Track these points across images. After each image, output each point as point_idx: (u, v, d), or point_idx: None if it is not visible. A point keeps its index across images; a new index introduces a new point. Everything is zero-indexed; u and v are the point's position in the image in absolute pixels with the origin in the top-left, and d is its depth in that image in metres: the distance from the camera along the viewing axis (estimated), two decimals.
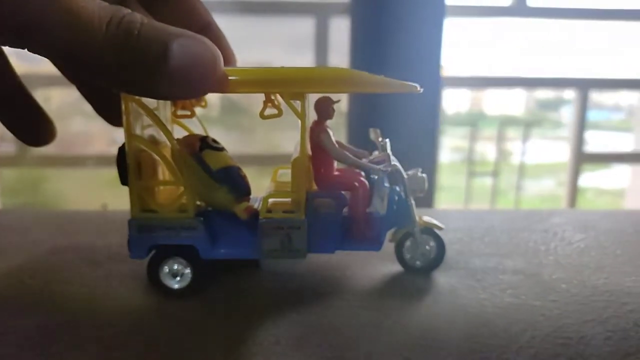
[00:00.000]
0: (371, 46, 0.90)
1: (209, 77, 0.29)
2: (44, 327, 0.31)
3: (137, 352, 0.28)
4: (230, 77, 0.31)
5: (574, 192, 1.28)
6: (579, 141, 1.24)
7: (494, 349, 0.28)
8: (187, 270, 0.34)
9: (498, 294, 0.34)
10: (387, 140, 0.36)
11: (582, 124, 1.23)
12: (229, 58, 0.36)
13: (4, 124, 0.37)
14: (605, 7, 1.25)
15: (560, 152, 1.75)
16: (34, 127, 0.38)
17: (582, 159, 1.26)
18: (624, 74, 1.34)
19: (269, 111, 0.33)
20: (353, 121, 0.92)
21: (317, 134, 0.35)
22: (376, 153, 0.37)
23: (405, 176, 0.36)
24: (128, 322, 0.31)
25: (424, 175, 0.37)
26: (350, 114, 0.93)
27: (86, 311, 0.32)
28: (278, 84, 0.32)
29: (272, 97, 0.33)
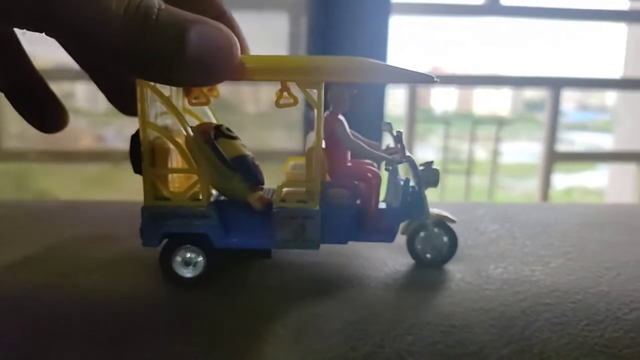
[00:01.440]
0: (323, 44, 0.90)
1: (225, 65, 0.29)
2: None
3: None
4: (246, 65, 0.31)
5: (546, 190, 1.29)
6: (551, 140, 1.25)
7: (373, 335, 0.29)
8: (200, 259, 0.34)
9: (391, 283, 0.34)
10: (401, 131, 0.36)
11: (554, 123, 1.24)
12: (242, 47, 0.36)
13: (16, 109, 0.37)
14: (579, 7, 1.26)
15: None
16: (47, 113, 0.38)
17: (554, 158, 1.27)
18: (597, 74, 1.36)
19: (284, 100, 0.33)
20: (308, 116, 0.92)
21: (331, 124, 0.35)
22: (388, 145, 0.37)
23: (419, 168, 0.36)
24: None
25: (438, 167, 0.37)
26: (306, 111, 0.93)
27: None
28: (295, 72, 0.32)
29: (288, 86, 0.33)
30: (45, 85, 0.38)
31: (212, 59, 0.28)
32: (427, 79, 0.32)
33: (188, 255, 0.34)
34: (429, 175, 0.36)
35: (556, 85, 1.23)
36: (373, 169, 0.36)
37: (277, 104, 0.33)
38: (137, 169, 0.34)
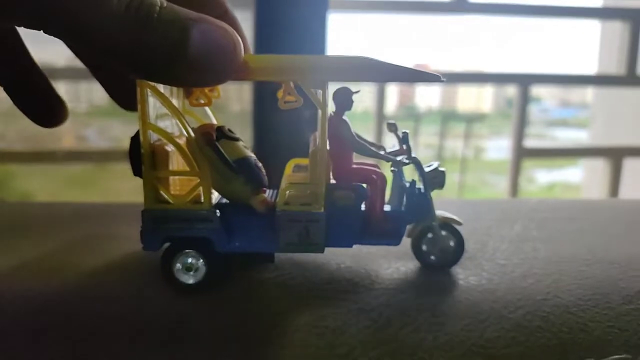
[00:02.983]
0: (266, 41, 0.89)
1: (229, 65, 0.28)
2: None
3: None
4: (249, 65, 0.30)
5: (515, 186, 1.30)
6: (520, 136, 1.25)
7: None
8: (201, 265, 0.33)
9: (289, 282, 0.34)
10: (407, 131, 0.35)
11: (522, 119, 1.25)
12: (245, 47, 0.35)
13: (16, 104, 0.36)
14: (547, 4, 1.27)
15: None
16: (47, 107, 0.37)
17: (523, 153, 1.28)
18: (571, 70, 1.37)
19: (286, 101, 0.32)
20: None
21: (335, 125, 0.34)
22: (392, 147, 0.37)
23: (425, 170, 0.36)
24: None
25: (444, 169, 0.36)
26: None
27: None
28: (299, 72, 0.31)
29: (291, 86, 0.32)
30: (45, 80, 0.37)
31: (215, 59, 0.27)
32: (433, 78, 0.32)
33: (189, 260, 0.33)
34: (435, 177, 0.36)
35: (524, 81, 1.23)
36: (378, 170, 0.36)
37: (281, 105, 0.33)
38: (137, 172, 0.33)
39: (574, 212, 0.51)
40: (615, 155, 1.30)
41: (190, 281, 0.33)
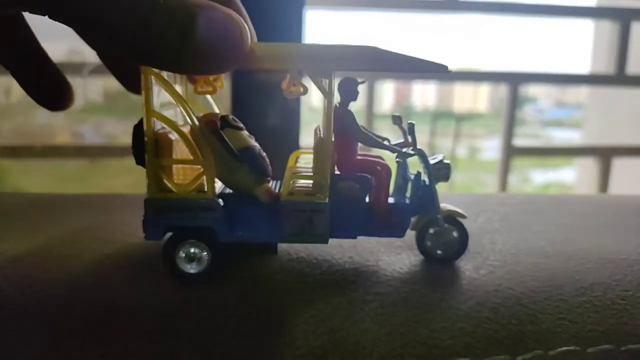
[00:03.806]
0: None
1: (235, 52, 0.28)
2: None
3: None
4: (256, 53, 0.30)
5: (504, 185, 1.31)
6: (509, 135, 1.26)
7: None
8: (204, 255, 0.33)
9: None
10: (413, 122, 0.35)
11: (512, 118, 1.25)
12: (250, 35, 0.35)
13: (24, 88, 0.36)
14: (537, 3, 1.27)
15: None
16: (54, 91, 0.37)
17: (512, 152, 1.28)
18: (563, 69, 1.37)
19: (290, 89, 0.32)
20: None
21: (340, 116, 0.34)
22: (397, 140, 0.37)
23: (430, 162, 0.35)
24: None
25: (449, 162, 0.36)
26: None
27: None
28: (306, 60, 0.31)
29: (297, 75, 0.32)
30: (51, 64, 0.37)
31: (222, 46, 0.27)
32: (440, 69, 0.32)
33: (192, 250, 0.33)
34: (440, 169, 0.35)
35: (514, 80, 1.24)
36: (382, 162, 0.35)
37: (286, 94, 0.32)
38: (140, 160, 0.33)
39: (540, 206, 0.51)
40: (605, 155, 1.31)
41: (193, 271, 0.33)
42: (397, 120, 0.37)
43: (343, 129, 0.34)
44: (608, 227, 0.45)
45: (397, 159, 0.36)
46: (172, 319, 0.29)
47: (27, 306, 0.29)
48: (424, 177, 0.35)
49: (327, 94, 0.32)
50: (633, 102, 1.59)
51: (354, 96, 0.35)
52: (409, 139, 0.36)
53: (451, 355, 0.26)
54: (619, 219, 0.47)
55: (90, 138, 1.86)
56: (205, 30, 0.26)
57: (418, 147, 0.35)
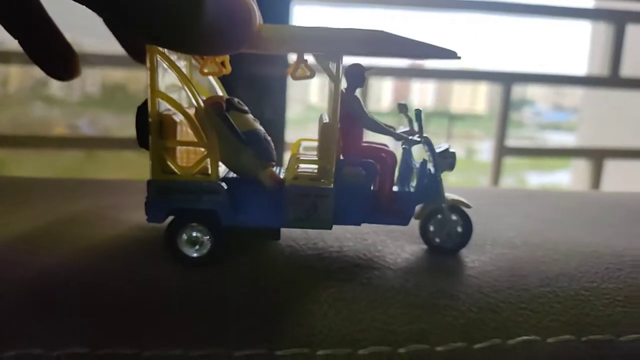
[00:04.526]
0: None
1: (243, 34, 0.27)
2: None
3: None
4: (263, 34, 0.29)
5: (496, 184, 1.31)
6: (502, 135, 1.26)
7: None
8: (207, 238, 0.33)
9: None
10: (420, 109, 0.35)
11: (505, 117, 1.25)
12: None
13: (31, 57, 0.36)
14: (533, 3, 1.27)
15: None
16: (61, 60, 0.36)
17: (504, 152, 1.28)
18: (560, 70, 1.37)
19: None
20: None
21: (347, 101, 0.34)
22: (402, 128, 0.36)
23: (436, 151, 0.35)
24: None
25: (454, 150, 0.36)
26: None
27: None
28: (315, 44, 0.31)
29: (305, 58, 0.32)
30: (58, 33, 0.36)
31: (229, 27, 0.26)
32: (449, 55, 0.31)
33: (194, 233, 0.33)
34: (445, 158, 0.35)
35: (507, 80, 1.23)
36: (387, 149, 0.35)
37: (293, 77, 0.32)
38: (143, 142, 0.32)
39: (515, 200, 0.50)
40: (596, 156, 1.30)
41: (195, 254, 0.32)
42: (403, 108, 0.36)
43: (349, 115, 0.34)
44: (580, 221, 0.45)
45: (404, 146, 0.35)
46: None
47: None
48: (429, 166, 0.35)
49: (335, 78, 0.32)
50: (627, 104, 1.59)
51: (361, 82, 0.34)
52: (416, 126, 0.35)
53: (406, 341, 0.26)
54: (593, 213, 0.47)
55: (87, 131, 1.85)
56: (213, 10, 0.25)
57: (424, 134, 0.35)
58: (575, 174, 1.87)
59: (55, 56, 0.36)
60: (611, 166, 1.31)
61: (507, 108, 1.24)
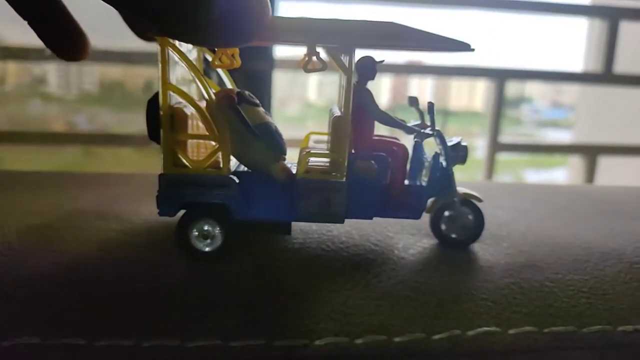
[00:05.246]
0: None
1: (255, 26, 0.27)
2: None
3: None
4: (275, 26, 0.29)
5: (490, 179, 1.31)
6: (495, 131, 1.26)
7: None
8: (218, 232, 0.32)
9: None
10: (433, 102, 0.34)
11: (498, 114, 1.25)
12: None
13: (40, 37, 0.35)
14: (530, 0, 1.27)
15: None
16: (71, 41, 0.36)
17: (498, 148, 1.28)
18: (547, 66, 1.36)
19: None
20: None
21: (359, 94, 0.33)
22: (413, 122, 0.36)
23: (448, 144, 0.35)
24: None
25: (466, 144, 0.35)
26: None
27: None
28: (328, 36, 0.30)
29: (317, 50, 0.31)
30: (67, 13, 0.36)
31: (242, 18, 0.26)
32: (463, 47, 0.31)
33: (205, 227, 0.32)
34: (457, 152, 0.35)
35: (500, 76, 1.23)
36: (399, 142, 0.35)
37: (305, 69, 0.32)
38: (153, 135, 0.32)
39: (491, 192, 0.50)
40: (590, 153, 1.31)
41: (207, 248, 0.32)
42: (413, 101, 0.36)
43: (360, 108, 0.33)
44: (552, 213, 0.44)
45: (415, 139, 0.35)
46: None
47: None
48: (441, 159, 0.35)
49: (347, 71, 0.31)
50: (622, 101, 1.59)
51: (372, 75, 0.34)
52: (428, 119, 0.35)
53: (364, 332, 0.26)
54: (567, 205, 0.47)
55: (85, 128, 1.84)
56: (225, 2, 0.25)
57: (436, 128, 0.35)
58: (571, 170, 1.88)
59: (64, 36, 0.36)
60: (603, 163, 1.31)
61: (500, 104, 1.24)
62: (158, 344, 0.24)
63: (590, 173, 1.30)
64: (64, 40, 0.36)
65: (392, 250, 0.34)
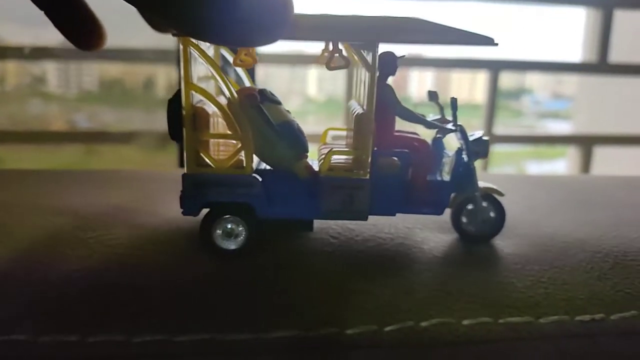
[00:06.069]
0: None
1: (279, 24, 0.27)
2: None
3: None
4: (299, 24, 0.29)
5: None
6: (490, 122, 1.26)
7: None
8: (241, 231, 0.32)
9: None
10: (456, 97, 0.34)
11: (492, 105, 1.25)
12: None
13: (57, 27, 0.35)
14: None
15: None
16: (87, 30, 0.36)
17: (492, 140, 1.28)
18: (536, 57, 1.36)
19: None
20: None
21: (380, 90, 0.33)
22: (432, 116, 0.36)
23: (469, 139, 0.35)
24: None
25: (488, 138, 0.35)
26: None
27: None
28: (351, 32, 0.30)
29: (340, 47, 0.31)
30: (83, 2, 0.35)
31: (266, 17, 0.26)
32: (487, 41, 0.31)
33: (229, 226, 0.32)
34: (478, 146, 0.35)
35: (494, 67, 1.23)
36: (420, 138, 0.35)
37: (328, 67, 0.32)
38: (175, 135, 0.32)
39: None
40: (586, 143, 1.31)
41: (231, 247, 0.32)
42: (433, 96, 0.36)
43: (382, 103, 0.33)
44: (530, 203, 0.44)
45: (438, 135, 0.35)
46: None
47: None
48: (463, 154, 0.34)
49: (370, 67, 0.31)
50: (619, 91, 1.59)
51: (393, 70, 0.34)
52: (448, 114, 0.35)
53: (316, 325, 0.26)
54: (541, 196, 0.47)
55: (85, 127, 1.83)
56: (249, 1, 0.25)
57: (458, 123, 0.34)
58: (570, 161, 1.88)
59: (81, 26, 0.36)
60: (600, 153, 1.31)
61: (494, 95, 1.24)
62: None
63: (586, 163, 1.30)
64: (81, 28, 0.36)
65: (345, 241, 0.34)
